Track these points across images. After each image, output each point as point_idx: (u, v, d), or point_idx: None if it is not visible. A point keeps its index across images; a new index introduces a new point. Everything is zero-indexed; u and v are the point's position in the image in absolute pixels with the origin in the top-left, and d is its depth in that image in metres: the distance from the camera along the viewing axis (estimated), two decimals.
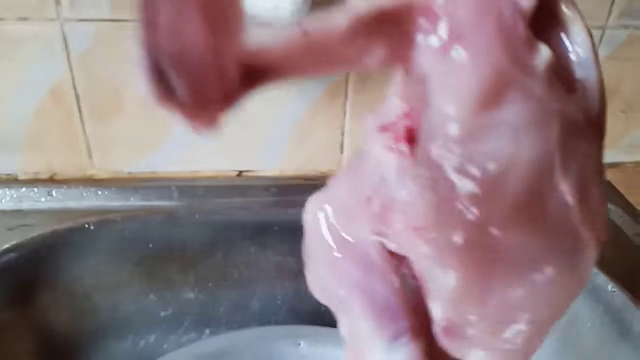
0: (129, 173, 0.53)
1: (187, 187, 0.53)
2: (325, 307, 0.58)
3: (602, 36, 0.51)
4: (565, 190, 0.14)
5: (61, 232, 0.48)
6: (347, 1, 0.16)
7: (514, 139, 0.14)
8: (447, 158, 0.15)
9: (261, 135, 0.53)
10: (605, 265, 0.47)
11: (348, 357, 0.21)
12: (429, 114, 0.15)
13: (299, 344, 0.44)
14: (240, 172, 0.55)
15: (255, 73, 0.16)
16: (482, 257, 0.16)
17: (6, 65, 0.47)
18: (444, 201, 0.15)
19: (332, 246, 0.20)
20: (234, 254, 0.53)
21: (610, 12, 0.51)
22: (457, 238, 0.15)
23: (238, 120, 0.53)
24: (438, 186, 0.15)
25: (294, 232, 0.53)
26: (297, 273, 0.54)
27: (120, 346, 0.52)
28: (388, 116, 0.18)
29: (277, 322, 0.54)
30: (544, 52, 0.14)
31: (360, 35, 0.15)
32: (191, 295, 0.53)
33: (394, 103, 0.18)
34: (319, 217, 0.21)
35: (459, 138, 0.14)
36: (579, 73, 0.15)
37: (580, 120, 0.15)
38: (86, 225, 0.49)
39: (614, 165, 0.59)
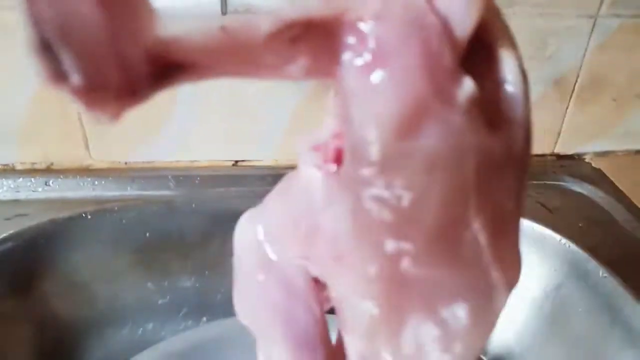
0: (126, 163, 0.53)
1: (184, 177, 0.53)
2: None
3: (593, 25, 0.52)
4: (478, 228, 0.14)
5: (59, 222, 0.49)
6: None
7: (428, 170, 0.14)
8: (366, 184, 0.15)
9: (257, 126, 0.54)
10: (596, 251, 0.48)
11: None
12: (351, 135, 0.15)
13: None
14: (236, 162, 0.55)
15: (168, 67, 0.15)
16: (396, 290, 0.15)
17: (2, 55, 0.48)
18: (362, 229, 0.15)
19: (258, 267, 0.20)
20: (231, 243, 0.53)
21: (601, 2, 0.52)
22: (372, 268, 0.15)
23: (234, 110, 0.53)
24: (357, 213, 0.15)
25: None
26: None
27: (118, 334, 0.53)
28: (322, 135, 0.18)
29: None
30: (467, 86, 0.14)
31: (283, 40, 0.15)
32: (188, 283, 0.54)
33: (328, 122, 0.18)
34: (247, 235, 0.20)
35: (378, 164, 0.14)
36: (507, 110, 0.15)
37: (501, 157, 0.14)
38: (83, 215, 0.50)
39: (604, 153, 0.60)
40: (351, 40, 0.15)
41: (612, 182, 0.56)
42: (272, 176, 0.55)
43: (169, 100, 0.51)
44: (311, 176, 0.17)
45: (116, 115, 0.15)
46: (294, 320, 0.19)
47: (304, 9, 0.15)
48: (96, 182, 0.52)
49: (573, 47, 0.54)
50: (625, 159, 0.60)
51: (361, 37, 0.14)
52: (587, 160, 0.60)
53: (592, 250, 0.49)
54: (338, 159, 0.17)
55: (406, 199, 0.14)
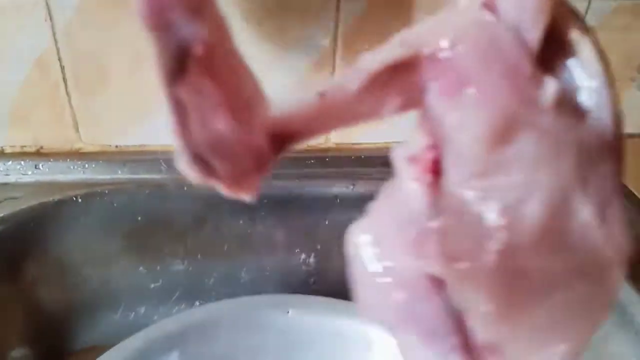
0: (117, 146, 0.53)
1: (175, 160, 0.53)
2: (315, 279, 0.58)
3: (588, 7, 0.52)
4: (587, 213, 0.15)
5: (49, 205, 0.48)
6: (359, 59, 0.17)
7: (531, 171, 0.15)
8: (469, 191, 0.16)
9: None
10: None
11: None
12: (448, 150, 0.16)
13: (288, 312, 0.45)
14: None
15: (282, 139, 0.18)
16: (511, 284, 0.16)
17: None
18: (471, 231, 0.16)
19: (375, 273, 0.21)
20: (223, 226, 0.53)
21: None
22: (486, 266, 0.16)
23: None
24: (464, 217, 0.16)
25: (282, 205, 0.53)
26: (286, 245, 0.55)
27: (110, 318, 0.53)
28: (415, 148, 0.19)
29: (266, 293, 0.54)
30: (550, 86, 0.14)
31: (373, 91, 0.17)
32: (181, 267, 0.53)
33: (418, 136, 0.19)
34: (359, 245, 0.21)
35: (477, 173, 0.15)
36: (591, 99, 0.15)
37: (595, 145, 0.15)
38: (74, 198, 0.49)
39: None
40: (434, 70, 0.16)
41: None
42: None
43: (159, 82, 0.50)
44: (413, 189, 0.19)
45: (253, 190, 0.18)
46: (420, 316, 0.20)
47: (384, 57, 0.16)
48: (86, 166, 0.51)
49: None
50: None
51: (443, 65, 0.15)
52: None
53: None
54: (435, 169, 0.18)
55: (512, 200, 0.15)
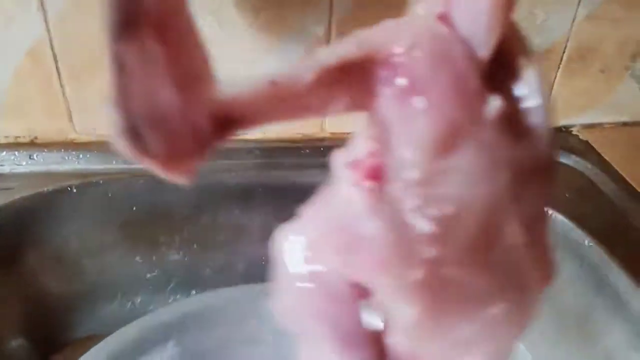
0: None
1: None
2: None
3: None
4: (516, 232, 0.15)
5: (43, 195, 0.48)
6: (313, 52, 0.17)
7: (467, 184, 0.15)
8: (407, 199, 0.16)
9: None
10: (582, 221, 0.49)
11: None
12: (391, 156, 0.16)
13: None
14: None
15: (225, 122, 0.17)
16: (438, 294, 0.16)
17: None
18: (404, 240, 0.16)
19: (301, 276, 0.21)
20: (219, 216, 0.53)
21: None
22: (415, 275, 0.16)
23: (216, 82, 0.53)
24: (399, 225, 0.16)
25: (278, 194, 0.54)
26: None
27: (107, 308, 0.53)
28: (356, 153, 0.19)
29: (263, 283, 0.55)
30: (494, 104, 0.15)
31: (324, 86, 0.16)
32: (177, 257, 0.53)
33: (361, 141, 0.19)
34: (288, 247, 0.21)
35: (417, 181, 0.15)
36: (531, 120, 0.15)
37: (529, 165, 0.15)
38: (69, 188, 0.49)
39: (592, 126, 0.60)
40: (385, 74, 0.16)
41: (599, 154, 0.56)
42: (260, 149, 0.55)
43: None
44: (350, 192, 0.18)
45: (190, 172, 0.17)
46: (339, 324, 0.20)
47: (339, 53, 0.16)
48: (81, 156, 0.51)
49: (561, 17, 0.53)
50: (612, 132, 0.60)
51: (394, 71, 0.16)
52: (574, 133, 0.60)
53: (578, 220, 0.49)
54: (375, 176, 0.18)
55: (446, 211, 0.15)
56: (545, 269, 0.16)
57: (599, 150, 0.57)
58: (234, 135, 0.18)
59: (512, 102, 0.16)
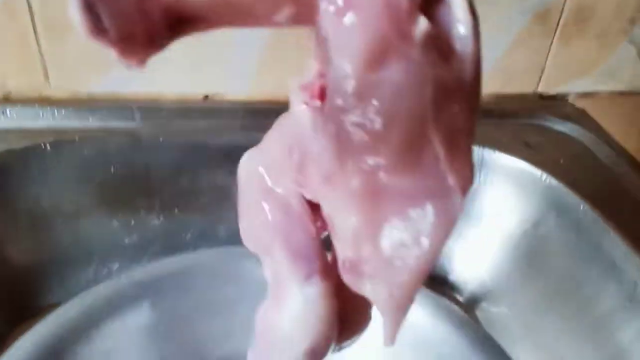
0: (88, 94, 0.50)
1: (150, 109, 0.50)
2: None
3: None
4: (436, 142, 0.17)
5: (16, 152, 0.46)
6: None
7: (394, 98, 0.16)
8: (346, 112, 0.17)
9: (228, 57, 0.51)
10: (577, 186, 0.47)
11: (271, 296, 0.24)
12: (332, 72, 0.17)
13: None
14: (206, 96, 0.53)
15: (180, 21, 0.18)
16: (374, 201, 0.19)
17: None
18: (345, 151, 0.18)
19: (260, 196, 0.23)
20: (201, 179, 0.51)
21: None
22: (354, 183, 0.18)
23: (203, 40, 0.50)
24: (340, 137, 0.18)
25: None
26: None
27: (82, 274, 0.50)
28: (308, 76, 0.21)
29: None
30: (422, 24, 0.16)
31: None
32: (156, 221, 0.51)
33: (311, 64, 0.20)
34: (250, 170, 0.23)
35: (353, 94, 0.17)
36: (459, 46, 0.17)
37: (452, 86, 0.17)
38: (42, 146, 0.47)
39: (588, 94, 0.58)
40: None
41: (594, 121, 0.55)
42: (244, 110, 0.53)
43: None
44: (300, 111, 0.21)
45: (142, 61, 0.18)
46: (292, 237, 0.23)
47: None
48: (56, 113, 0.49)
49: None
50: (608, 100, 0.59)
51: None
52: (570, 101, 0.58)
53: (573, 185, 0.47)
54: (322, 95, 0.20)
55: (377, 122, 0.17)
56: (465, 176, 0.18)
57: (595, 119, 0.56)
58: (185, 34, 0.18)
59: (440, 26, 0.17)
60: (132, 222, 0.51)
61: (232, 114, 0.52)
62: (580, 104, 0.57)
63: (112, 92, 0.50)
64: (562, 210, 0.47)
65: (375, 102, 0.16)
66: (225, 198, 0.52)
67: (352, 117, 0.17)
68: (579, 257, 0.45)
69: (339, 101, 0.17)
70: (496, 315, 0.51)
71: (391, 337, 0.21)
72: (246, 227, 0.25)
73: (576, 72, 0.57)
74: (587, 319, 0.43)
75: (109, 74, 0.50)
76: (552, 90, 0.58)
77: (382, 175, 0.18)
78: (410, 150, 0.17)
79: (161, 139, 0.49)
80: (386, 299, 0.20)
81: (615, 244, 0.43)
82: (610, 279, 0.43)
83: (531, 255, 0.49)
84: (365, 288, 0.20)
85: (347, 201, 0.19)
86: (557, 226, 0.47)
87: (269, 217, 0.22)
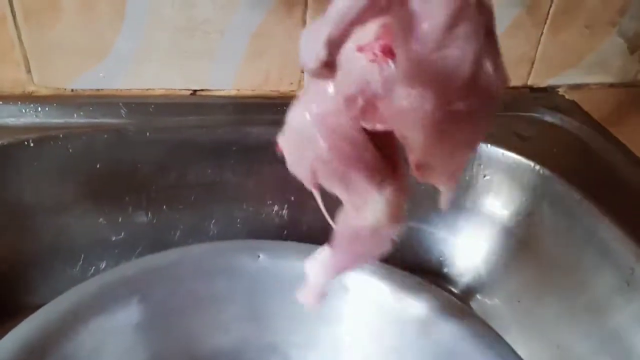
0: (73, 90, 0.49)
1: (137, 104, 0.49)
2: (287, 230, 0.55)
3: None
4: (488, 66, 0.22)
5: None
6: None
7: (465, 44, 0.21)
8: (424, 55, 0.21)
9: (214, 51, 0.50)
10: (570, 176, 0.47)
11: (349, 209, 0.29)
12: (408, 36, 0.21)
13: (258, 257, 0.42)
14: (194, 91, 0.52)
15: None
16: (442, 121, 0.23)
17: None
18: (427, 82, 0.22)
19: (322, 133, 0.26)
20: (190, 175, 0.50)
21: None
22: (431, 109, 0.23)
23: (189, 35, 0.50)
24: (420, 75, 0.22)
25: (253, 152, 0.51)
26: (257, 195, 0.52)
27: (68, 273, 0.49)
28: (364, 38, 0.24)
29: None
30: None
31: None
32: (144, 219, 0.50)
33: (369, 28, 0.24)
34: (305, 113, 0.26)
35: (434, 48, 0.21)
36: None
37: (487, 26, 0.22)
38: (26, 142, 0.45)
39: (578, 86, 0.58)
40: None
41: (586, 113, 0.55)
42: (234, 105, 0.52)
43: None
44: (365, 67, 0.24)
45: None
46: (362, 159, 0.27)
47: None
48: (39, 109, 0.47)
49: None
50: (599, 93, 0.58)
51: None
52: (560, 93, 0.58)
53: (566, 175, 0.47)
54: (388, 52, 0.23)
55: (452, 63, 0.21)
56: (504, 81, 0.23)
57: (586, 110, 0.56)
58: None
59: None
60: (120, 220, 0.50)
61: (220, 109, 0.51)
62: (571, 96, 0.57)
63: (97, 89, 0.49)
64: (556, 200, 0.47)
65: (449, 51, 0.21)
66: (214, 194, 0.51)
67: (431, 60, 0.21)
68: (574, 245, 0.45)
69: (419, 47, 0.21)
70: (491, 306, 0.50)
71: (447, 204, 0.28)
72: (302, 163, 0.27)
73: (566, 64, 0.57)
74: (583, 305, 0.43)
75: (93, 69, 0.49)
76: (543, 83, 0.58)
77: (449, 100, 0.22)
78: (473, 80, 0.22)
79: (148, 135, 0.48)
80: (447, 179, 0.27)
81: (610, 230, 0.42)
82: (605, 265, 0.42)
83: (526, 245, 0.48)
84: (431, 179, 0.26)
85: (420, 123, 0.23)
86: (551, 215, 0.47)
87: (336, 147, 0.26)
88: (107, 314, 0.37)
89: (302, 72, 0.52)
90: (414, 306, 0.40)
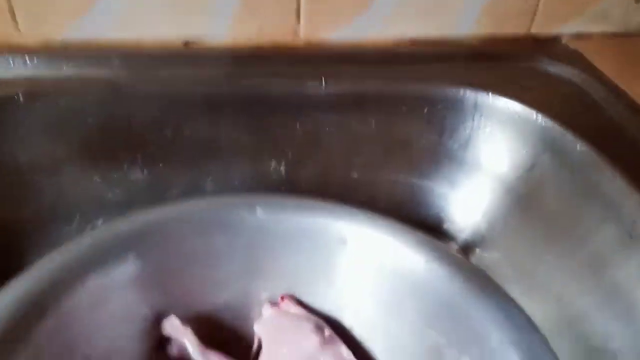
0: (62, 40, 0.47)
1: (129, 56, 0.48)
2: (285, 186, 0.55)
3: None
4: None
5: None
6: None
7: None
8: None
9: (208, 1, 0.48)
10: (573, 126, 0.46)
11: None
12: None
13: (257, 211, 0.41)
14: (187, 42, 0.50)
15: None
16: None
17: None
18: None
19: None
20: (185, 131, 0.49)
21: None
22: None
23: None
24: None
25: (250, 106, 0.49)
26: (256, 151, 0.51)
27: (65, 231, 0.48)
28: None
29: None
30: None
31: None
32: (140, 176, 0.49)
33: None
34: None
35: None
36: None
37: None
38: (15, 97, 0.44)
39: (581, 35, 0.57)
40: None
41: (589, 62, 0.53)
42: (229, 57, 0.50)
43: None
44: None
45: None
46: None
47: None
48: (28, 61, 0.46)
49: None
50: (602, 42, 0.57)
51: None
52: (563, 42, 0.57)
53: (568, 125, 0.46)
54: None
55: None
56: None
57: (589, 59, 0.54)
58: None
59: None
60: (114, 177, 0.49)
61: (215, 60, 0.49)
62: (574, 45, 0.56)
63: (87, 39, 0.47)
64: (558, 151, 0.46)
65: None
66: (211, 150, 0.50)
67: None
68: (576, 197, 0.44)
69: None
70: (491, 261, 0.50)
71: None
72: None
73: (569, 13, 0.55)
74: (585, 257, 0.43)
75: (84, 18, 0.47)
76: (545, 32, 0.56)
77: None
78: None
79: (142, 88, 0.47)
80: None
81: (613, 181, 0.42)
82: (608, 217, 0.42)
83: (527, 198, 0.48)
84: None
85: None
86: (553, 167, 0.46)
87: None
88: (105, 270, 0.37)
89: (298, 21, 0.51)
90: (414, 259, 0.40)
